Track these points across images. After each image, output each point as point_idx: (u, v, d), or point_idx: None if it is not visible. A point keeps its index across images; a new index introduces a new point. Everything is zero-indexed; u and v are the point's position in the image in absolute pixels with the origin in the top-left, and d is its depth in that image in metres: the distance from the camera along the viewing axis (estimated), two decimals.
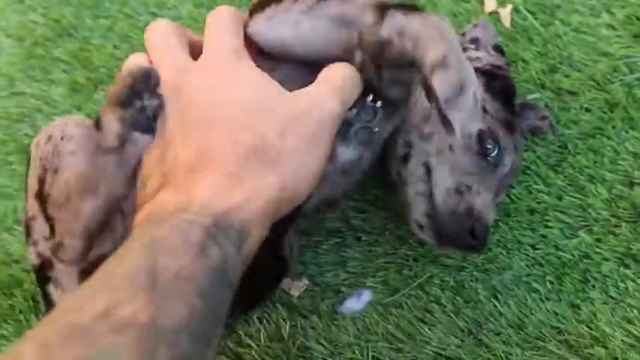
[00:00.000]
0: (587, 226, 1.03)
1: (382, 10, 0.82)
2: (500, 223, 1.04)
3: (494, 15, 1.20)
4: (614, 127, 1.08)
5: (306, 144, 0.75)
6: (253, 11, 0.89)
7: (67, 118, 0.88)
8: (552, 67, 1.13)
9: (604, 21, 1.15)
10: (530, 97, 1.12)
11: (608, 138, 1.07)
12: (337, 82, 0.80)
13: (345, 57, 0.84)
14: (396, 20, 0.80)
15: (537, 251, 1.02)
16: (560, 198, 1.05)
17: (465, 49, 0.97)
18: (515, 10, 1.19)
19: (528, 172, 1.08)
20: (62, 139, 0.85)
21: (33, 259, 0.87)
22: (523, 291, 1.01)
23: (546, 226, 1.04)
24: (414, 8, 0.82)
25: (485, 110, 0.91)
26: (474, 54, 0.98)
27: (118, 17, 1.33)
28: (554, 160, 1.08)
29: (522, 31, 1.17)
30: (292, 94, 0.78)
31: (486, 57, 0.99)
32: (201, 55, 0.82)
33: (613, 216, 1.02)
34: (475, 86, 0.83)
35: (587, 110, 1.10)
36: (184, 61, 0.83)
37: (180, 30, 0.89)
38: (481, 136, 0.88)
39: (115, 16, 1.33)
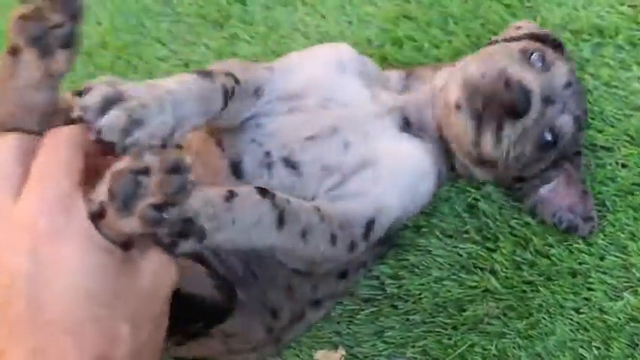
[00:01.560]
0: (631, 287, 1.00)
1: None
2: (542, 288, 1.02)
3: None
4: None
5: (157, 327, 0.62)
6: None
7: None
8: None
9: (635, 74, 1.13)
10: None
11: None
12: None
13: None
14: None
15: (581, 315, 1.00)
16: (602, 258, 1.02)
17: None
18: None
19: None
20: None
21: None
22: (569, 357, 0.98)
23: (589, 289, 1.01)
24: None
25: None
26: (515, 32, 1.09)
27: None
28: None
29: None
30: (130, 263, 0.61)
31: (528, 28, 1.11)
32: (20, 200, 0.59)
33: None
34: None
35: (624, 166, 1.07)
36: (8, 206, 0.59)
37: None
38: (524, 52, 0.95)
39: None
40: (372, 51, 1.28)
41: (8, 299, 0.56)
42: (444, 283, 1.05)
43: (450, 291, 1.05)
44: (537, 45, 0.98)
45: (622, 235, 1.03)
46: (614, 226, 1.04)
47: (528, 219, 1.06)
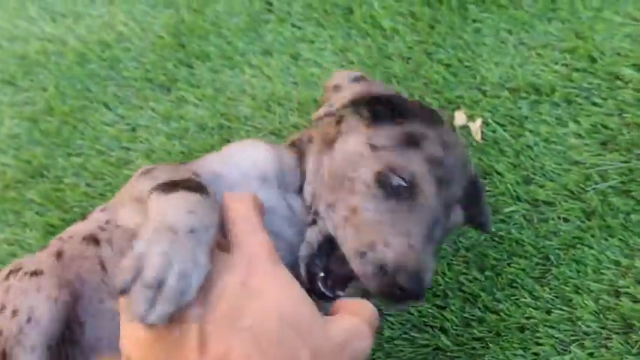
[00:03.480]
0: (578, 340, 1.01)
1: (154, 189, 0.77)
2: (491, 344, 1.03)
3: (465, 129, 1.22)
4: (593, 236, 1.08)
5: None
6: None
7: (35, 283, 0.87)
8: (526, 179, 1.15)
9: (571, 130, 1.17)
10: (507, 210, 1.12)
11: (589, 247, 1.07)
12: (372, 319, 0.73)
13: None
14: (150, 199, 0.75)
15: None
16: (548, 312, 1.04)
17: (328, 99, 0.94)
18: (485, 123, 1.22)
19: (514, 284, 1.07)
20: (29, 321, 0.84)
21: None
22: None
23: (537, 343, 1.02)
24: (175, 187, 0.76)
25: (375, 147, 0.88)
26: (335, 98, 0.93)
27: (90, 154, 1.33)
28: (539, 273, 1.07)
29: (493, 143, 1.19)
30: (327, 321, 0.69)
31: (346, 92, 0.93)
32: (234, 247, 0.73)
33: (603, 328, 1.01)
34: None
35: (566, 220, 1.10)
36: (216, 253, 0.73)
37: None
38: (379, 180, 0.85)
39: (87, 153, 1.33)
40: None
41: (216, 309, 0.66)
42: (396, 342, 1.06)
43: (402, 350, 1.05)
44: (387, 161, 0.87)
45: (567, 289, 1.05)
46: (558, 279, 1.06)
47: (476, 274, 1.08)
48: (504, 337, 1.03)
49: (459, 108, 1.25)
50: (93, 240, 0.96)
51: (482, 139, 1.20)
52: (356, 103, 0.92)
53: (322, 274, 0.86)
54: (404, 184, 0.84)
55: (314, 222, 0.91)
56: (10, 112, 1.42)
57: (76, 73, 1.45)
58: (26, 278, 0.88)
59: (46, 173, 1.32)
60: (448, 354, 1.03)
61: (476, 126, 1.21)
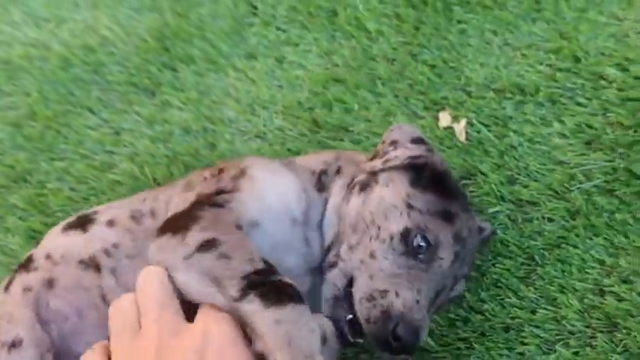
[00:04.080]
0: (563, 339, 1.01)
1: (246, 289, 0.78)
2: (476, 344, 1.02)
3: (449, 130, 1.22)
4: (577, 236, 1.07)
5: None
6: (157, 231, 0.87)
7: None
8: (510, 179, 1.14)
9: (556, 130, 1.17)
10: (492, 210, 1.12)
11: (574, 247, 1.07)
12: None
13: None
14: (252, 309, 0.77)
15: None
16: (533, 312, 1.03)
17: (385, 154, 0.98)
18: (470, 124, 1.21)
19: (500, 285, 1.06)
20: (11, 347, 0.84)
21: None
22: None
23: (523, 343, 1.01)
24: (278, 297, 0.78)
25: (411, 207, 0.92)
26: (392, 154, 0.98)
27: (74, 158, 1.32)
28: (524, 273, 1.07)
29: (478, 144, 1.19)
30: None
31: (404, 152, 0.98)
32: (196, 321, 0.78)
33: (588, 327, 1.01)
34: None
35: (550, 220, 1.10)
36: (179, 323, 0.78)
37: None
38: (405, 235, 0.90)
39: (71, 157, 1.33)
40: (303, 114, 1.29)
41: None
42: None
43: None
44: (418, 222, 0.91)
45: (551, 288, 1.04)
46: (543, 279, 1.05)
47: None
48: (489, 337, 1.03)
49: (443, 109, 1.24)
50: (93, 266, 0.92)
51: (467, 139, 1.20)
52: (409, 164, 0.96)
53: (349, 316, 0.89)
54: (425, 246, 0.90)
55: (335, 264, 0.93)
56: None
57: (59, 78, 1.45)
58: (4, 354, 0.85)
59: (29, 178, 1.31)
60: (433, 355, 1.03)
61: (460, 127, 1.21)
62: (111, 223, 0.96)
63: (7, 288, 0.94)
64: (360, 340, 0.89)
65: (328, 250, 0.95)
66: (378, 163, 0.98)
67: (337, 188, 0.99)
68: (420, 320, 0.86)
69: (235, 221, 0.88)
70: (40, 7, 1.59)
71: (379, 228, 0.91)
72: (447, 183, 0.96)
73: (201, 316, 0.78)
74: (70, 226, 0.98)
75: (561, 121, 1.18)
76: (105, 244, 0.93)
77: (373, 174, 0.97)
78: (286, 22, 1.45)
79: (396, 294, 0.86)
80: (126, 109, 1.38)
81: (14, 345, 0.85)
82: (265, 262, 0.82)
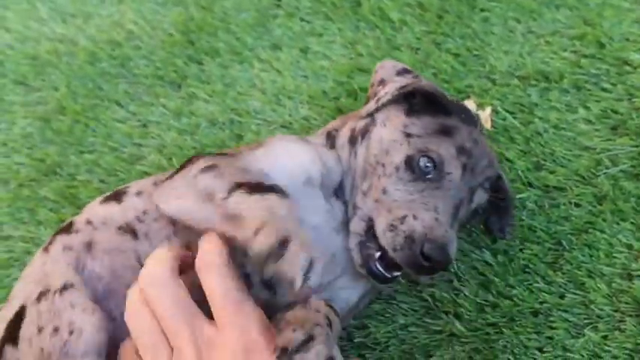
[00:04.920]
0: (591, 323, 1.01)
1: (233, 189, 0.82)
2: (505, 329, 1.03)
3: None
4: (604, 220, 1.08)
5: None
6: (167, 178, 0.93)
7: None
8: (537, 165, 1.15)
9: (581, 116, 1.17)
10: (519, 196, 1.12)
11: (601, 231, 1.07)
12: None
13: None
14: (236, 200, 0.81)
15: (545, 354, 1.01)
16: (562, 296, 1.04)
17: (375, 94, 1.03)
18: (495, 111, 1.22)
19: (527, 270, 1.07)
20: (71, 333, 0.86)
21: None
22: None
23: (551, 327, 1.02)
24: (262, 190, 0.82)
25: (409, 135, 0.95)
26: (382, 92, 1.01)
27: (103, 151, 1.34)
28: (551, 258, 1.07)
29: (503, 131, 1.20)
30: None
31: (392, 86, 1.01)
32: (224, 327, 0.79)
33: (616, 311, 1.01)
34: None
35: (577, 205, 1.10)
36: (207, 330, 0.79)
37: (174, 272, 0.83)
38: (409, 162, 0.92)
39: (100, 150, 1.34)
40: (328, 103, 1.30)
41: None
42: (410, 329, 1.06)
43: (416, 337, 1.05)
44: (418, 146, 0.93)
45: (579, 273, 1.05)
46: (571, 264, 1.06)
47: (490, 260, 1.08)
48: (518, 322, 1.03)
49: (468, 97, 1.25)
50: (130, 231, 0.96)
51: (492, 126, 1.21)
52: (398, 95, 0.99)
53: (378, 254, 0.92)
54: (432, 166, 0.92)
55: (354, 214, 0.95)
56: (22, 112, 1.43)
57: (87, 72, 1.47)
58: (57, 297, 0.88)
59: (59, 171, 1.33)
60: (462, 340, 1.04)
61: (485, 114, 1.22)
62: (139, 193, 0.99)
63: (46, 249, 0.98)
64: (398, 273, 0.92)
65: (346, 205, 0.98)
66: (371, 105, 1.01)
67: (341, 142, 1.02)
68: (444, 236, 0.87)
69: (244, 165, 0.92)
70: (67, 4, 1.61)
71: (384, 165, 0.94)
72: (439, 101, 0.98)
73: (226, 321, 0.79)
74: (108, 199, 1.02)
75: (587, 107, 1.18)
76: (136, 212, 0.97)
77: (370, 116, 1.00)
78: (310, 13, 1.46)
79: (414, 217, 0.88)
80: (153, 102, 1.40)
81: (66, 288, 0.88)
82: (261, 182, 0.86)
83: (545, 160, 1.15)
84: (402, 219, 0.88)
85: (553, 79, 1.22)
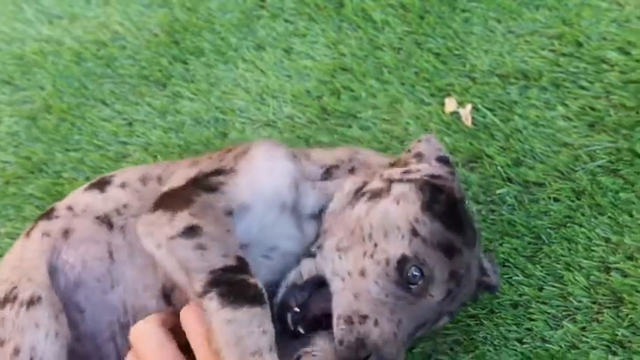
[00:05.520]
0: (570, 315, 1.03)
1: (209, 286, 0.81)
2: (485, 321, 1.04)
3: (455, 115, 1.24)
4: (583, 215, 1.10)
5: None
6: (152, 204, 0.91)
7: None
8: (516, 161, 1.17)
9: (560, 113, 1.20)
10: (499, 191, 1.14)
11: (580, 225, 1.09)
12: None
13: None
14: (210, 306, 0.80)
15: (525, 345, 1.02)
16: (540, 289, 1.06)
17: (407, 164, 0.96)
18: (475, 108, 1.24)
19: (507, 264, 1.09)
20: (30, 304, 0.88)
21: None
22: None
23: (530, 319, 1.04)
24: (236, 297, 0.80)
25: (415, 233, 0.88)
26: (414, 167, 0.95)
27: (89, 149, 1.35)
28: (530, 252, 1.09)
29: (484, 128, 1.22)
30: None
31: (427, 168, 0.95)
32: None
33: (594, 303, 1.03)
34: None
35: (556, 200, 1.12)
36: None
37: (167, 335, 0.85)
38: (401, 264, 0.86)
39: (86, 148, 1.35)
40: (312, 102, 1.32)
41: None
42: None
43: None
44: (418, 252, 0.88)
45: (558, 266, 1.07)
46: (550, 257, 1.08)
47: None
48: (498, 314, 1.05)
49: (449, 95, 1.27)
50: (107, 223, 0.97)
51: (473, 124, 1.23)
52: (425, 183, 0.93)
53: (296, 309, 0.89)
54: (419, 279, 0.87)
55: (313, 255, 0.93)
56: (8, 110, 1.44)
57: (72, 72, 1.48)
58: (22, 311, 0.88)
59: (45, 168, 1.34)
60: (443, 331, 1.05)
61: (466, 111, 1.24)
62: (123, 185, 1.01)
63: (28, 234, 1.00)
64: (301, 332, 0.89)
65: (316, 237, 0.95)
66: (396, 172, 0.95)
67: (346, 187, 0.97)
68: (392, 355, 0.85)
69: (226, 207, 0.90)
70: (53, 5, 1.62)
71: (376, 245, 0.89)
72: (460, 213, 0.93)
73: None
74: (92, 186, 1.03)
75: (565, 105, 1.20)
76: (117, 204, 0.98)
77: (389, 181, 0.95)
78: (294, 14, 1.47)
79: (375, 322, 0.85)
80: (138, 101, 1.41)
81: (32, 302, 0.88)
82: (240, 258, 0.84)
83: (524, 157, 1.17)
84: (363, 319, 0.85)
85: (532, 77, 1.25)
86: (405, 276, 0.86)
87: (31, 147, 1.37)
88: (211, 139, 1.33)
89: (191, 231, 0.85)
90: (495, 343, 1.03)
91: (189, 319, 0.83)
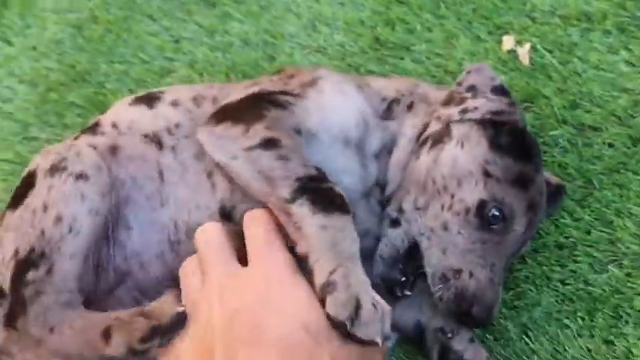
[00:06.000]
0: (616, 260, 1.01)
1: (298, 193, 0.81)
2: (528, 259, 1.03)
3: (513, 53, 1.21)
4: (638, 162, 1.07)
5: None
6: (211, 117, 0.90)
7: None
8: (573, 104, 1.14)
9: (622, 58, 1.15)
10: (552, 133, 1.11)
11: (633, 172, 1.06)
12: None
13: None
14: (301, 212, 0.80)
15: (567, 287, 1.00)
16: (588, 232, 1.03)
17: (462, 100, 0.94)
18: (533, 48, 1.20)
19: None
20: (70, 230, 0.86)
21: None
22: (554, 327, 0.98)
23: (575, 261, 1.02)
24: (326, 204, 0.81)
25: (488, 174, 0.87)
26: (471, 103, 0.93)
27: (133, 62, 1.34)
28: (580, 195, 1.07)
29: (541, 68, 1.18)
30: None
31: (485, 104, 0.92)
32: (252, 264, 0.80)
33: None
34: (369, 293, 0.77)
35: (610, 145, 1.09)
36: (236, 267, 0.81)
37: (230, 235, 0.86)
38: (481, 208, 0.86)
39: (130, 61, 1.34)
40: (365, 31, 1.29)
41: (237, 322, 0.73)
42: None
43: None
44: (495, 192, 0.87)
45: (608, 211, 1.04)
46: (600, 202, 1.05)
47: None
48: (542, 254, 1.03)
49: (507, 33, 1.23)
50: (156, 142, 0.95)
51: (530, 63, 1.19)
52: (488, 120, 0.91)
53: (403, 279, 0.91)
54: (500, 218, 0.87)
55: (397, 221, 0.92)
56: (54, 18, 1.43)
57: None
58: (70, 182, 0.88)
59: (89, 78, 1.33)
60: None
61: (524, 50, 1.20)
62: (175, 103, 0.98)
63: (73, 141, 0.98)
64: (409, 293, 0.91)
65: (388, 200, 0.94)
66: (454, 112, 0.92)
67: (407, 132, 0.96)
68: (493, 299, 0.85)
69: (295, 125, 0.90)
70: None
71: (452, 197, 0.88)
72: (526, 142, 0.91)
73: (256, 259, 0.80)
74: (138, 100, 1.00)
75: (629, 49, 1.16)
76: (168, 122, 0.96)
77: (447, 123, 0.92)
78: None
79: (470, 274, 0.85)
80: (186, 18, 1.39)
81: (81, 177, 0.88)
82: (319, 169, 0.84)
83: (581, 99, 1.14)
84: (457, 273, 0.85)
85: (595, 20, 1.20)
86: (485, 219, 0.86)
87: (76, 56, 1.36)
88: (259, 60, 1.30)
89: (270, 142, 0.85)
90: (537, 282, 1.01)
91: (260, 218, 0.83)
